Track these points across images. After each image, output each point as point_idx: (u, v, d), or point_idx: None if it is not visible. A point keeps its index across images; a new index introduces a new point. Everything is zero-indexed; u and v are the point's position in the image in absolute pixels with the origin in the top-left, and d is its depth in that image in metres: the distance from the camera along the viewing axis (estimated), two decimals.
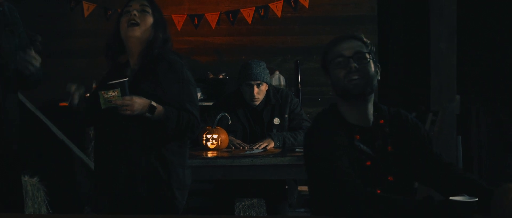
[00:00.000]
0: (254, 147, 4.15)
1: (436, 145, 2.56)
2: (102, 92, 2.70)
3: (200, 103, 5.56)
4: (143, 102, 2.70)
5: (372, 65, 2.43)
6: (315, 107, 5.99)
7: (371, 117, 2.46)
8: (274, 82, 5.77)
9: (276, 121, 4.34)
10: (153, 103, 2.71)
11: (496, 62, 6.35)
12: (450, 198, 2.14)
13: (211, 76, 5.86)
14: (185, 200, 2.91)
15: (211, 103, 4.80)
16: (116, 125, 2.79)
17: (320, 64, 2.55)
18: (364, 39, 2.48)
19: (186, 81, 2.83)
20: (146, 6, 2.88)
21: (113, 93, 2.70)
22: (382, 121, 2.47)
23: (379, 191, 2.33)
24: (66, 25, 6.07)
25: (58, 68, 6.00)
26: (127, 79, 2.74)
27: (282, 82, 5.85)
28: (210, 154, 4.03)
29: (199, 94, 5.70)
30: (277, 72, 5.87)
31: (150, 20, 2.86)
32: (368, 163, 2.39)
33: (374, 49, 2.49)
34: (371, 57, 2.43)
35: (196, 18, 5.92)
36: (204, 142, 4.12)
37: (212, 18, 5.91)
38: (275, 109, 4.35)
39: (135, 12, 2.84)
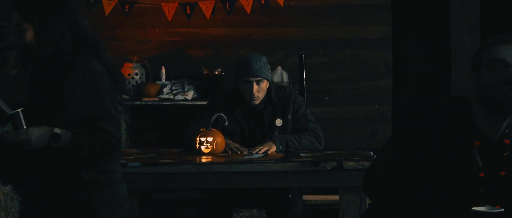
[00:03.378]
0: (254, 152, 4.15)
1: None
2: None
3: (193, 102, 5.62)
4: (42, 132, 2.62)
5: None
6: (322, 107, 5.99)
7: (500, 131, 2.42)
8: (276, 78, 5.78)
9: (278, 122, 4.34)
10: (57, 131, 2.63)
11: None
12: (474, 208, 2.15)
13: (205, 72, 5.86)
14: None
15: (205, 102, 4.80)
16: (28, 154, 2.72)
17: (471, 59, 2.49)
18: None
19: (101, 93, 2.69)
20: (20, 24, 2.71)
21: (3, 129, 2.60)
22: (507, 142, 2.42)
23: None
24: None
25: None
26: (20, 109, 2.64)
27: (285, 79, 5.85)
28: (204, 159, 4.03)
29: (192, 92, 5.71)
30: (279, 68, 5.88)
31: (30, 35, 2.71)
32: (482, 174, 2.38)
33: None
34: None
35: (188, 7, 5.92)
36: (197, 145, 4.12)
37: (206, 7, 5.91)
38: (277, 109, 4.36)
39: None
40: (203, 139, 4.12)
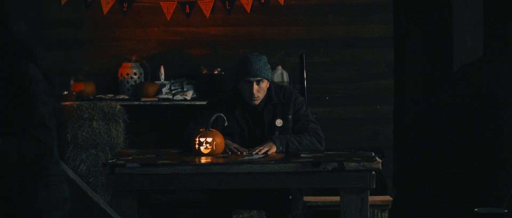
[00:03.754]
0: (254, 152, 4.15)
1: None
2: None
3: (192, 102, 5.61)
4: None
5: None
6: (322, 107, 5.99)
7: None
8: (276, 78, 5.78)
9: (279, 122, 4.34)
10: None
11: None
12: (476, 209, 2.14)
13: (205, 71, 5.86)
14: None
15: (204, 102, 4.80)
16: None
17: None
18: None
19: (33, 100, 2.65)
20: None
21: None
22: None
23: None
24: (40, 13, 6.06)
25: None
26: None
27: (285, 79, 5.85)
28: (203, 160, 4.03)
29: (191, 92, 5.71)
30: (280, 67, 5.87)
31: None
32: None
33: None
34: None
35: (187, 5, 5.92)
36: (197, 146, 4.12)
37: (205, 6, 5.91)
38: (277, 109, 4.35)
39: None
40: (202, 139, 4.12)
